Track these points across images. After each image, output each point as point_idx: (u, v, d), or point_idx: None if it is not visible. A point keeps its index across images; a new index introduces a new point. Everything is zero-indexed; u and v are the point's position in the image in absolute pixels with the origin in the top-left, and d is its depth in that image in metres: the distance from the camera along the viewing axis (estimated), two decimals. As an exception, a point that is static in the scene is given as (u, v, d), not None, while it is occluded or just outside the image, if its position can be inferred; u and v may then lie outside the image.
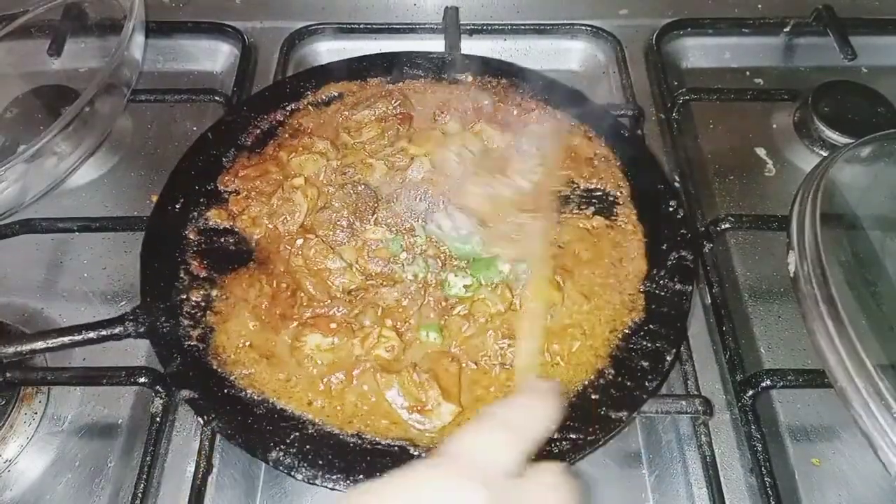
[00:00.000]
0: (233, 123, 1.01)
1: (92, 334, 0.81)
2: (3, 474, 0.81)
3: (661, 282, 0.85)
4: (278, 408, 0.75)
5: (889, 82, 1.16)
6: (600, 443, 0.73)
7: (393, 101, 1.00)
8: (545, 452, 0.72)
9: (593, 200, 0.94)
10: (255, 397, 0.76)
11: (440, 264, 0.85)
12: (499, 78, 1.06)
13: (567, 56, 1.28)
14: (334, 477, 0.70)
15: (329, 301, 0.82)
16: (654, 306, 0.83)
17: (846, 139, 1.05)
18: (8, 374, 0.81)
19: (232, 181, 0.94)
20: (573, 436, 0.73)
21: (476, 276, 0.84)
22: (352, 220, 0.88)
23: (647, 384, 0.77)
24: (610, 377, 0.78)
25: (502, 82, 1.06)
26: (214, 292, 0.84)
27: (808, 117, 1.09)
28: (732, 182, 1.07)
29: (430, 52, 1.10)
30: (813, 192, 0.84)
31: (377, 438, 0.74)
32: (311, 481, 0.70)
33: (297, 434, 0.73)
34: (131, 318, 0.81)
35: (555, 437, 0.73)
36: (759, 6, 1.31)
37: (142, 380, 0.81)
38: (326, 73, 1.08)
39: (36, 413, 0.84)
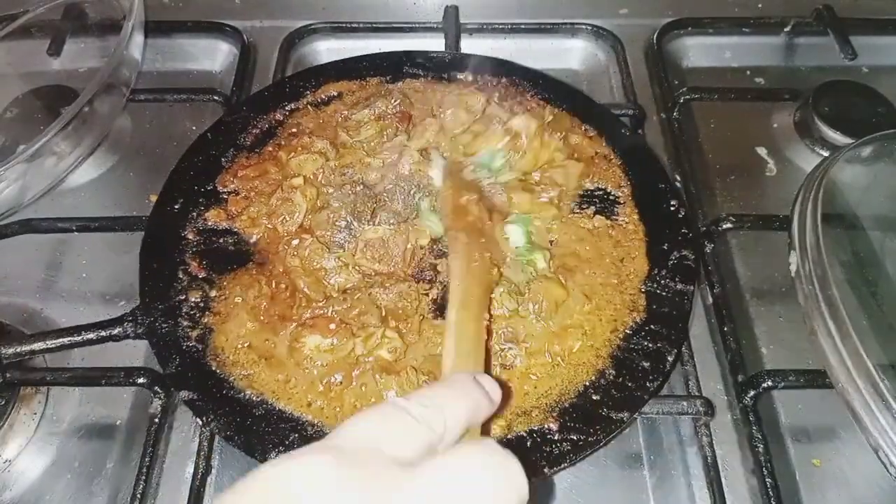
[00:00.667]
0: (232, 123, 1.01)
1: (91, 335, 0.81)
2: (2, 474, 0.81)
3: (663, 282, 0.85)
4: (277, 409, 0.75)
5: (890, 82, 1.16)
6: (601, 443, 0.73)
7: (392, 100, 1.00)
8: (545, 453, 0.72)
9: (594, 200, 0.93)
10: (254, 398, 0.76)
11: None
12: (499, 77, 1.06)
13: (567, 55, 1.28)
14: (334, 478, 0.70)
15: (324, 301, 0.82)
16: (655, 306, 0.83)
17: (847, 139, 1.05)
18: (7, 375, 0.81)
19: (231, 181, 0.94)
20: (574, 436, 0.73)
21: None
22: (350, 220, 0.88)
23: (648, 385, 0.76)
24: (611, 377, 0.77)
25: (502, 81, 1.06)
26: (213, 293, 0.84)
27: (808, 117, 1.09)
28: (733, 182, 1.07)
29: (430, 52, 1.10)
30: (814, 191, 0.84)
31: (377, 439, 0.73)
32: (310, 482, 0.70)
33: (297, 435, 0.73)
34: (130, 318, 0.81)
35: (555, 437, 0.73)
36: (760, 6, 1.31)
37: (141, 380, 0.81)
38: (326, 73, 1.08)
39: (35, 413, 0.84)
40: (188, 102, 1.15)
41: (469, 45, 1.22)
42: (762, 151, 1.11)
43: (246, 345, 0.79)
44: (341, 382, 0.77)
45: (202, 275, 0.86)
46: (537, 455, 0.72)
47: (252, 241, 0.89)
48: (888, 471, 0.69)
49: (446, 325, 0.71)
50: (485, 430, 0.73)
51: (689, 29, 1.25)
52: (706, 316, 0.93)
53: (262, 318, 0.81)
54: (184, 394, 0.76)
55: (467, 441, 0.48)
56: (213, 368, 0.78)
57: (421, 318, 0.82)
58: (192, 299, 0.83)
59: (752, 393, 0.82)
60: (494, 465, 0.43)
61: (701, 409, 0.79)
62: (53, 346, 0.81)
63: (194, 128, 1.13)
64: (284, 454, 0.42)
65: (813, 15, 1.24)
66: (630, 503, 0.81)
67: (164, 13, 1.27)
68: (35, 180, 0.98)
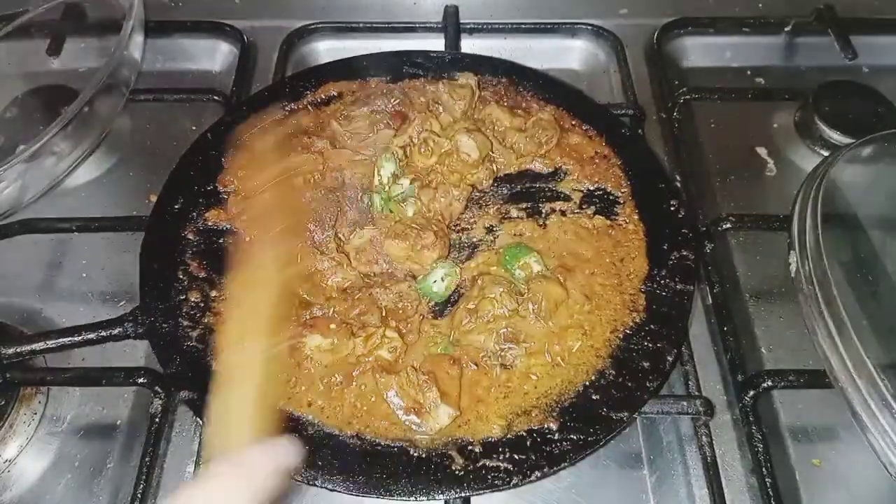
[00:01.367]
0: (232, 123, 1.01)
1: (91, 335, 0.81)
2: (2, 474, 0.81)
3: (663, 281, 0.85)
4: (277, 409, 0.75)
5: (890, 82, 1.16)
6: (601, 443, 0.73)
7: (392, 99, 1.00)
8: (545, 453, 0.72)
9: (594, 200, 0.93)
10: (255, 398, 0.76)
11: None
12: (499, 76, 1.06)
13: (568, 55, 1.28)
14: (333, 478, 0.70)
15: (325, 302, 0.82)
16: (655, 306, 0.83)
17: (847, 139, 1.05)
18: (8, 375, 0.81)
19: (231, 181, 0.94)
20: (574, 436, 0.73)
21: (507, 263, 0.85)
22: (327, 227, 0.89)
23: (647, 384, 0.76)
24: (611, 377, 0.77)
25: (503, 81, 1.06)
26: (213, 293, 0.84)
27: (809, 117, 1.09)
28: (733, 182, 1.07)
29: (430, 51, 1.10)
30: (814, 191, 0.84)
31: (377, 439, 0.74)
32: (310, 482, 0.70)
33: (297, 435, 0.73)
34: (130, 318, 0.81)
35: (555, 437, 0.73)
36: (760, 5, 1.31)
37: (141, 380, 0.81)
38: (326, 73, 1.08)
39: (35, 413, 0.84)
40: (188, 102, 1.15)
41: (469, 45, 1.22)
42: (762, 151, 1.11)
43: (246, 345, 0.79)
44: (341, 382, 0.77)
45: (202, 275, 0.86)
46: (537, 455, 0.72)
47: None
48: (888, 471, 0.69)
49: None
50: (484, 428, 0.74)
51: (689, 29, 1.25)
52: (706, 316, 0.93)
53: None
54: (184, 393, 0.76)
55: None
56: (214, 368, 0.78)
57: (421, 317, 0.82)
58: (193, 299, 0.83)
59: (751, 393, 0.82)
60: None
61: (701, 408, 0.79)
62: (54, 345, 0.81)
63: (194, 128, 1.13)
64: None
65: (813, 15, 1.24)
66: (630, 503, 0.81)
67: (164, 13, 1.27)
68: (35, 180, 0.98)
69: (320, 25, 1.25)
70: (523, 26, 1.26)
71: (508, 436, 0.73)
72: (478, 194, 0.95)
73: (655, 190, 0.93)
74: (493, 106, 0.99)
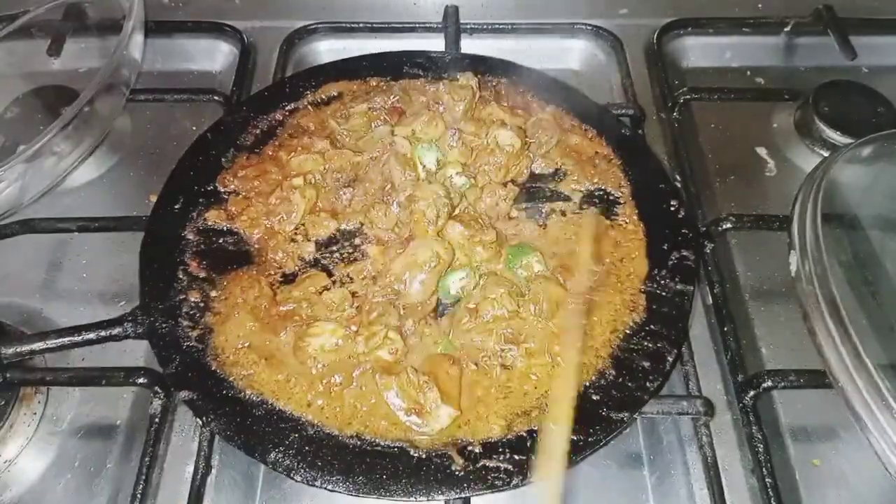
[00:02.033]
0: (232, 123, 1.01)
1: (91, 335, 0.81)
2: (2, 474, 0.81)
3: (663, 282, 0.85)
4: (277, 409, 0.75)
5: (889, 82, 1.16)
6: (601, 444, 0.73)
7: (391, 97, 1.00)
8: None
9: (595, 200, 0.93)
10: (254, 398, 0.76)
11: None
12: (499, 77, 1.06)
13: (567, 55, 1.28)
14: (333, 478, 0.70)
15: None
16: (655, 306, 0.83)
17: (847, 139, 1.05)
18: (8, 375, 0.81)
19: (231, 181, 0.94)
20: (574, 437, 0.73)
21: (510, 263, 0.85)
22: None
23: (648, 385, 0.76)
24: (611, 378, 0.77)
25: (503, 81, 1.06)
26: (213, 293, 0.84)
27: (808, 117, 1.09)
28: (733, 182, 1.07)
29: (431, 52, 1.10)
30: (814, 191, 0.83)
31: (376, 440, 0.74)
32: (310, 483, 0.70)
33: (297, 435, 0.73)
34: (130, 318, 0.81)
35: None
36: (760, 6, 1.31)
37: (141, 380, 0.81)
38: (326, 73, 1.08)
39: (35, 413, 0.84)
40: (188, 102, 1.15)
41: (469, 45, 1.22)
42: (762, 151, 1.11)
43: (246, 345, 0.79)
44: (341, 383, 0.77)
45: (202, 275, 0.86)
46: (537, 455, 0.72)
47: (253, 241, 0.89)
48: (888, 471, 0.69)
49: None
50: (484, 428, 0.74)
51: (689, 29, 1.25)
52: (706, 316, 0.93)
53: (262, 318, 0.81)
54: (184, 393, 0.76)
55: None
56: (213, 368, 0.78)
57: (422, 319, 0.82)
58: (193, 299, 0.83)
59: (751, 393, 0.82)
60: None
61: (701, 408, 0.79)
62: (53, 345, 0.81)
63: (194, 128, 1.13)
64: None
65: (813, 15, 1.24)
66: (630, 503, 0.81)
67: (164, 13, 1.27)
68: (35, 180, 0.98)
69: (320, 26, 1.25)
70: (523, 26, 1.26)
71: (509, 436, 0.73)
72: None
73: (655, 190, 0.93)
74: (493, 106, 0.99)
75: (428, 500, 0.70)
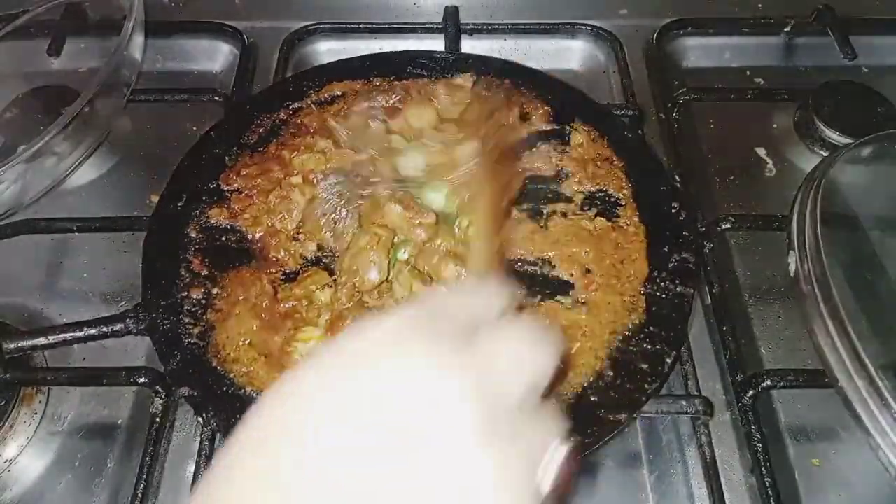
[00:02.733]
0: (235, 122, 1.01)
1: (93, 331, 0.81)
2: (2, 474, 0.81)
3: (663, 284, 0.85)
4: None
5: (890, 82, 1.16)
6: (600, 444, 0.73)
7: (393, 96, 1.00)
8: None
9: (595, 202, 0.93)
10: (255, 396, 0.76)
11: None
12: (502, 77, 1.06)
13: (567, 56, 1.28)
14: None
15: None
16: (654, 308, 0.83)
17: (846, 139, 1.05)
18: (8, 374, 0.81)
19: (234, 180, 0.94)
20: (573, 437, 0.72)
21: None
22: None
23: (646, 387, 0.76)
24: (609, 379, 0.77)
25: (505, 81, 1.06)
26: (215, 290, 0.84)
27: (808, 117, 1.09)
28: (732, 182, 1.07)
29: (434, 52, 1.10)
30: (813, 192, 0.84)
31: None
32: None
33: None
34: (132, 315, 0.81)
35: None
36: (760, 6, 1.31)
37: (142, 380, 0.81)
38: (329, 73, 1.07)
39: (36, 413, 0.84)
40: (188, 103, 1.15)
41: (469, 46, 1.22)
42: (762, 152, 1.11)
43: (247, 342, 0.80)
44: None
45: (204, 272, 0.86)
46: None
47: (255, 239, 0.89)
48: (888, 471, 0.69)
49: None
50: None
51: (689, 29, 1.25)
52: (705, 315, 0.93)
53: (263, 315, 0.81)
54: (184, 390, 0.76)
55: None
56: (214, 365, 0.78)
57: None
58: (194, 296, 0.83)
59: (751, 392, 0.82)
60: (536, 330, 0.45)
61: (700, 408, 0.79)
62: (55, 341, 0.81)
63: (194, 128, 1.13)
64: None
65: (813, 15, 1.24)
66: (629, 502, 0.81)
67: (164, 13, 1.27)
68: (35, 181, 0.98)
69: (321, 26, 1.25)
70: (523, 27, 1.26)
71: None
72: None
73: (657, 192, 0.93)
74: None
75: None
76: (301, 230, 0.90)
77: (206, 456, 0.79)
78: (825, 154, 1.07)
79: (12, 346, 0.80)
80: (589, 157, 0.98)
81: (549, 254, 0.88)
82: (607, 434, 0.73)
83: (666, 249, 0.88)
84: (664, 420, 0.86)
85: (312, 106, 1.03)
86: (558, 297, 0.85)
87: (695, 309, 0.90)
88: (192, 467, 0.79)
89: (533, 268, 0.87)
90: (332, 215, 0.89)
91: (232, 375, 0.77)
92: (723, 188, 1.06)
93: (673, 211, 0.91)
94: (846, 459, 0.82)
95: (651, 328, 0.81)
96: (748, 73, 1.24)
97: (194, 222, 0.90)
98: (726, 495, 0.77)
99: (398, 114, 0.98)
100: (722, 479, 0.78)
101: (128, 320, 0.81)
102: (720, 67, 1.25)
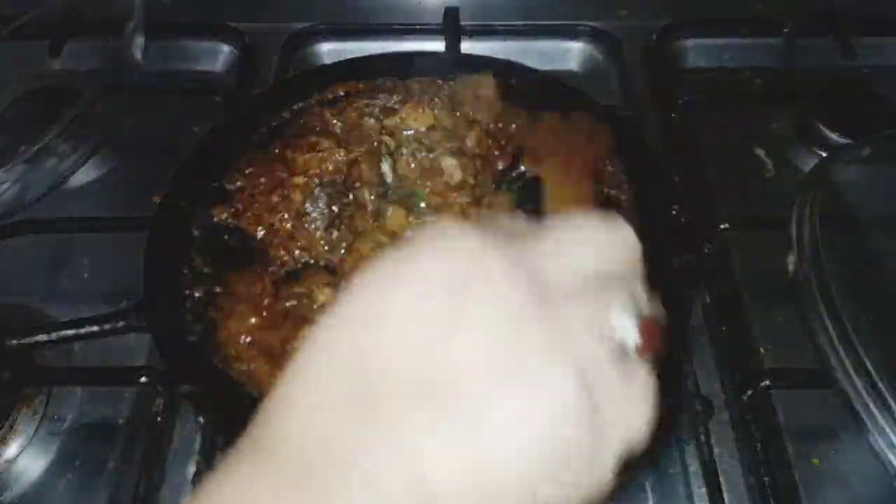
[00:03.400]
0: (239, 122, 1.01)
1: (94, 328, 0.81)
2: (3, 474, 0.81)
3: (663, 286, 0.84)
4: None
5: (889, 82, 1.16)
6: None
7: (395, 95, 1.00)
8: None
9: (596, 203, 0.93)
10: (256, 394, 0.76)
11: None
12: (503, 77, 1.06)
13: (567, 57, 1.28)
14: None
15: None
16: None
17: (846, 139, 1.05)
18: (8, 374, 0.81)
19: (238, 179, 0.94)
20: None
21: None
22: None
23: (646, 385, 0.76)
24: (609, 378, 0.77)
25: (506, 81, 1.06)
26: (217, 288, 0.84)
27: (808, 118, 1.09)
28: (732, 182, 1.07)
29: (437, 52, 1.10)
30: (812, 192, 0.84)
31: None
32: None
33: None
34: (134, 311, 0.81)
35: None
36: (759, 6, 1.31)
37: (143, 379, 0.81)
38: (333, 72, 1.07)
39: (36, 413, 0.84)
40: (190, 103, 1.15)
41: (469, 47, 1.23)
42: (761, 152, 1.11)
43: (248, 340, 0.80)
44: None
45: (207, 270, 0.86)
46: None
47: (257, 237, 0.89)
48: (887, 470, 0.69)
49: None
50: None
51: (689, 30, 1.25)
52: (705, 315, 0.93)
53: (264, 314, 0.81)
54: (184, 388, 0.76)
55: None
56: (215, 363, 0.78)
57: None
58: (196, 294, 0.83)
59: (750, 392, 0.82)
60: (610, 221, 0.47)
61: (699, 407, 0.79)
62: (57, 337, 0.81)
63: (195, 128, 1.13)
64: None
65: (812, 15, 1.24)
66: (629, 502, 0.81)
67: (164, 13, 1.27)
68: (36, 181, 0.98)
69: (321, 27, 1.25)
70: (522, 28, 1.26)
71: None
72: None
73: (657, 194, 0.93)
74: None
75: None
76: (302, 230, 0.90)
77: (206, 455, 0.79)
78: (825, 154, 1.07)
79: (14, 342, 0.80)
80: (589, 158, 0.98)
81: None
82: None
83: (666, 252, 0.88)
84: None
85: (316, 106, 1.04)
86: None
87: (695, 309, 0.90)
88: (193, 467, 0.79)
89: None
90: (333, 216, 0.89)
91: (233, 373, 0.77)
92: (722, 189, 1.06)
93: (673, 213, 0.91)
94: (846, 459, 0.82)
95: (651, 329, 0.81)
96: (748, 73, 1.24)
97: (197, 220, 0.90)
98: (726, 495, 0.77)
99: (394, 114, 0.99)
100: (721, 479, 0.78)
101: (129, 317, 0.81)
102: (719, 68, 1.25)
